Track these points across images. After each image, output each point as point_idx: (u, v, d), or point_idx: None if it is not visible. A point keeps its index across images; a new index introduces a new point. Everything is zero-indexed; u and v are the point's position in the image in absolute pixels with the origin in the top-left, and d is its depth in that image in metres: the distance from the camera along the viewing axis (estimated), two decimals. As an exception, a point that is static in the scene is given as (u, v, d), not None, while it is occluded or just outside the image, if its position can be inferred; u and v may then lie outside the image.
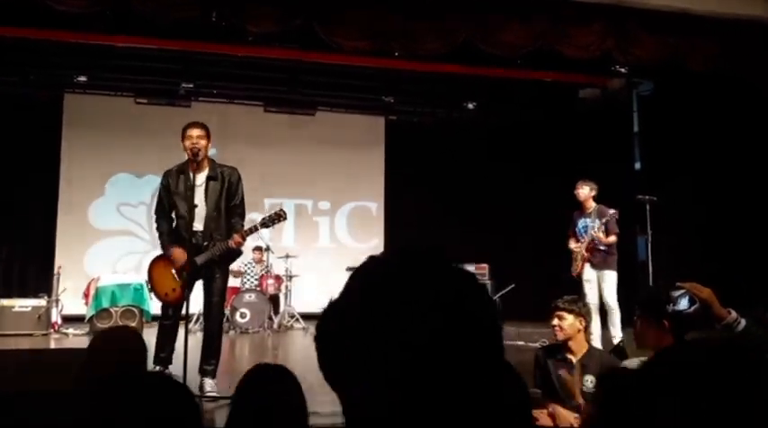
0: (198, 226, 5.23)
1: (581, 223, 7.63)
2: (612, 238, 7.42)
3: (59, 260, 11.10)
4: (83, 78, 11.03)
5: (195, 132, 5.27)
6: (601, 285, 7.43)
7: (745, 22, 7.91)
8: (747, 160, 9.58)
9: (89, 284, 9.89)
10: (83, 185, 11.79)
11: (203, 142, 5.28)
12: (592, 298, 7.30)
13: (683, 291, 2.47)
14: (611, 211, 7.42)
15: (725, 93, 9.38)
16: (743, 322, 2.43)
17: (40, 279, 10.92)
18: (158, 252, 5.51)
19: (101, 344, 2.70)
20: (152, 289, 5.45)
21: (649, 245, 7.84)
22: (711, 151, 10.09)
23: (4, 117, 11.02)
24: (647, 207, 7.70)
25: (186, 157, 5.33)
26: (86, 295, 9.79)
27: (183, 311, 5.28)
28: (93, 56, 10.20)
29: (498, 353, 0.79)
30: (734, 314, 2.44)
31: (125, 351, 2.64)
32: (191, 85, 11.45)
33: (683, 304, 2.46)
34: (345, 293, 0.79)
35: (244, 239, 5.26)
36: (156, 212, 5.49)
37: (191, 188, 5.17)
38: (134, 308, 9.52)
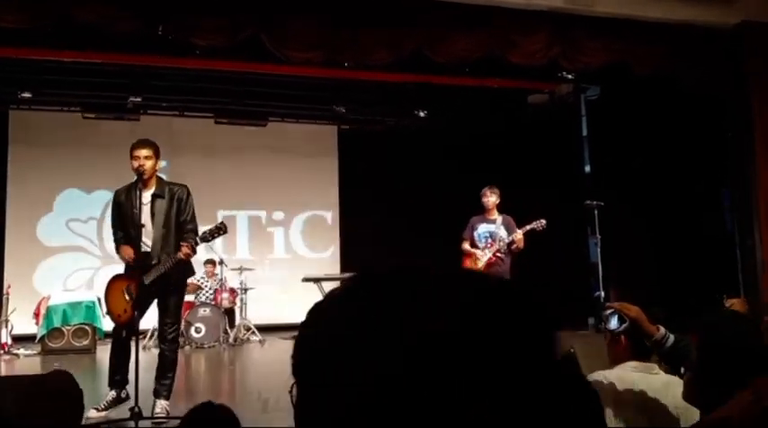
0: (146, 245, 5.17)
1: (483, 228, 7.45)
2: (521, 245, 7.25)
3: (8, 278, 10.83)
4: (27, 94, 10.78)
5: (142, 152, 5.17)
6: None
7: (690, 26, 8.10)
8: (693, 161, 9.85)
9: (39, 303, 9.67)
10: (31, 202, 11.55)
11: (149, 163, 5.17)
12: None
13: (612, 311, 2.58)
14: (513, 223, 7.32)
15: (672, 96, 9.62)
16: (671, 337, 2.53)
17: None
18: (111, 269, 5.45)
19: (34, 395, 2.61)
20: (108, 312, 5.42)
21: (598, 248, 8.01)
22: (659, 153, 10.36)
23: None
24: (596, 212, 7.86)
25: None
26: (37, 314, 9.57)
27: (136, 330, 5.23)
28: (38, 71, 9.99)
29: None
30: (662, 330, 2.55)
31: (61, 398, 2.58)
32: (138, 99, 11.28)
33: (613, 323, 2.58)
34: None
35: (193, 250, 5.19)
36: (113, 226, 5.47)
37: (137, 207, 5.12)
38: (86, 326, 9.35)
